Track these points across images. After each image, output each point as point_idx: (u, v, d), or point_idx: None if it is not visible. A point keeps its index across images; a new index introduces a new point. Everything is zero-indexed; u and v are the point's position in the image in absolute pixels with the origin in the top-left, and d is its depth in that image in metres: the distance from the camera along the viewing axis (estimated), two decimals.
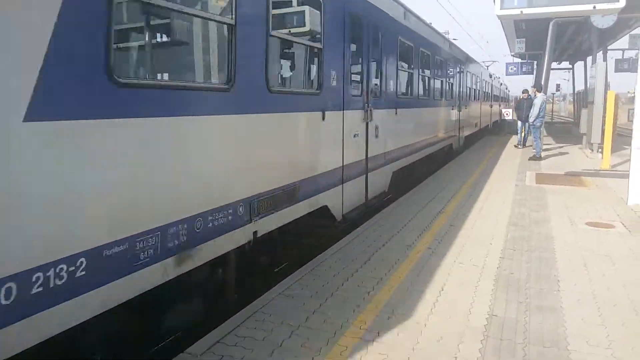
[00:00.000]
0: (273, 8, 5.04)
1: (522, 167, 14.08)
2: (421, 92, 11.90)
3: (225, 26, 4.41)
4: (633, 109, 9.62)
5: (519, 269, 5.47)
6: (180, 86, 3.96)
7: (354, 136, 7.38)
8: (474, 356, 3.62)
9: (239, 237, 4.57)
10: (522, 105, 19.23)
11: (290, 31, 5.82)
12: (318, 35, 6.17)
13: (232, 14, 4.35)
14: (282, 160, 5.33)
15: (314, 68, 6.45)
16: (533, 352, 3.68)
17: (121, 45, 4.51)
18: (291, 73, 6.55)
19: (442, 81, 14.42)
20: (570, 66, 40.00)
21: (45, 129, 2.77)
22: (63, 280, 2.85)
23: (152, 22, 4.33)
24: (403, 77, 10.45)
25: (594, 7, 9.04)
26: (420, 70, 11.69)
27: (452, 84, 16.04)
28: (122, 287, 3.28)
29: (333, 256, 5.86)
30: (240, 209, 4.54)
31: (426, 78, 12.50)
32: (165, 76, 5.31)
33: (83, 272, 2.97)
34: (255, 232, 4.78)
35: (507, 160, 15.80)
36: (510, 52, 32.32)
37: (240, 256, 4.87)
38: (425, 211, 8.31)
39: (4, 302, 2.55)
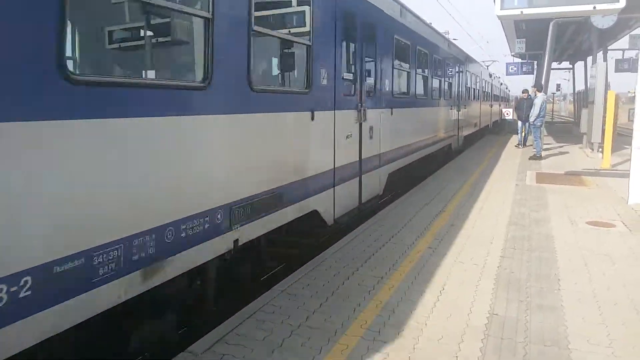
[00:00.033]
0: (256, 2, 4.75)
1: (522, 166, 14.08)
2: (418, 91, 11.64)
3: (201, 20, 4.09)
4: (633, 109, 9.63)
5: (519, 268, 5.47)
6: (144, 84, 3.67)
7: (347, 137, 7.08)
8: (474, 355, 3.62)
9: (218, 246, 4.24)
10: (522, 105, 19.22)
11: (276, 27, 5.57)
12: (306, 32, 5.90)
13: (209, 7, 4.07)
14: (266, 163, 5.02)
15: (302, 66, 6.12)
16: (534, 351, 3.68)
17: (75, 39, 4.40)
18: (277, 71, 6.28)
19: (440, 81, 14.16)
20: (571, 66, 40.04)
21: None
22: (2, 303, 2.54)
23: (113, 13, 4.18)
24: (399, 76, 10.20)
25: (594, 7, 9.06)
26: (418, 69, 11.43)
27: (450, 84, 15.80)
28: (77, 307, 2.98)
29: (333, 255, 5.87)
30: (219, 216, 4.22)
31: (424, 77, 12.26)
32: (133, 74, 5.06)
33: (28, 293, 2.68)
34: (236, 241, 4.46)
35: (507, 160, 15.80)
36: (511, 52, 32.33)
37: (220, 266, 4.61)
38: (426, 211, 8.31)
39: None
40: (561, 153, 17.60)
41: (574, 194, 9.90)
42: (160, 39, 4.84)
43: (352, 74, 7.49)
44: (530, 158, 15.63)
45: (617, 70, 27.57)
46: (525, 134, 19.55)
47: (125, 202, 3.31)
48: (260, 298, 4.62)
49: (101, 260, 3.11)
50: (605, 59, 24.87)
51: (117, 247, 3.22)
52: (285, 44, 5.89)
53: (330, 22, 6.51)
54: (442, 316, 4.25)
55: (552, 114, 53.48)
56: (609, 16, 15.68)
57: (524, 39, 25.78)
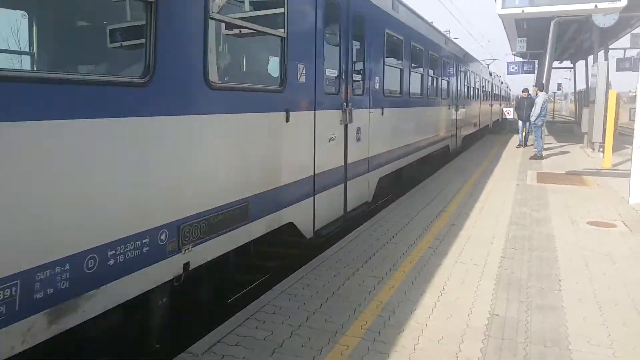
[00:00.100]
0: None
1: (523, 166, 14.07)
2: (413, 90, 10.95)
3: (141, 3, 3.54)
4: (634, 108, 9.62)
5: (520, 268, 5.46)
6: (58, 79, 2.94)
7: (329, 140, 6.47)
8: (475, 356, 3.61)
9: (160, 273, 3.62)
10: (523, 105, 19.19)
11: (242, 15, 5.01)
12: (280, 22, 5.29)
13: None
14: (228, 172, 4.41)
15: (275, 60, 5.55)
16: (534, 351, 3.68)
17: None
18: (243, 66, 5.66)
19: (437, 79, 13.60)
20: (572, 65, 40.01)
21: None
22: None
23: None
24: (391, 73, 9.57)
25: (596, 6, 9.04)
26: (412, 66, 10.76)
27: (448, 82, 15.29)
28: None
29: (333, 256, 5.86)
30: (162, 237, 3.60)
31: (419, 75, 11.62)
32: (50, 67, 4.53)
33: None
34: (187, 264, 3.87)
35: (507, 159, 15.79)
36: (512, 51, 32.38)
37: (168, 293, 4.01)
38: (426, 211, 8.30)
39: None
40: (562, 153, 17.59)
41: (575, 193, 9.89)
42: (87, 24, 4.35)
43: (336, 71, 6.88)
44: (531, 158, 15.61)
45: (618, 69, 27.56)
46: (525, 134, 19.51)
47: (24, 228, 2.67)
48: (261, 298, 4.62)
49: None
50: (606, 58, 24.87)
51: (8, 285, 2.59)
52: (254, 35, 5.31)
53: (310, 12, 5.92)
54: (442, 316, 4.25)
55: (553, 113, 53.47)
56: (610, 15, 15.68)
57: (525, 38, 25.80)
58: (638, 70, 9.61)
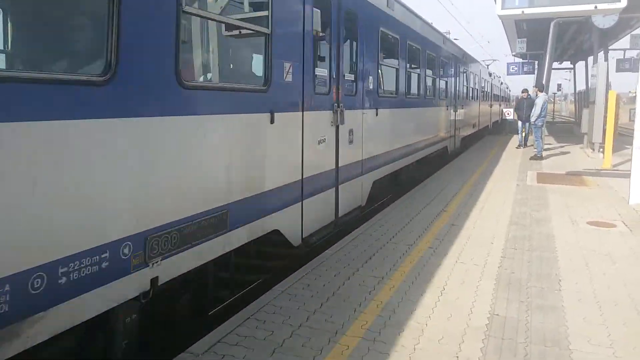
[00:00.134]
0: None
1: (523, 166, 14.08)
2: (409, 90, 10.67)
3: None
4: (634, 109, 9.63)
5: (520, 269, 5.46)
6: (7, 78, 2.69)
7: (319, 142, 6.16)
8: (475, 356, 3.62)
9: (122, 290, 3.29)
10: (522, 105, 19.20)
11: (221, 9, 4.71)
12: (264, 17, 4.97)
13: None
14: (204, 177, 4.08)
15: (258, 58, 5.26)
16: (534, 351, 3.68)
17: None
18: (222, 64, 5.37)
19: (434, 79, 13.29)
20: (572, 66, 40.05)
21: None
22: None
23: None
24: (386, 73, 9.33)
25: (595, 7, 9.05)
26: (408, 66, 10.48)
27: (446, 82, 15.00)
28: None
29: (334, 256, 5.86)
30: (125, 251, 3.29)
31: (415, 75, 11.36)
32: None
33: None
34: (155, 279, 3.55)
35: (507, 160, 15.79)
36: (512, 52, 32.40)
37: (135, 312, 3.71)
38: (426, 211, 8.30)
39: None
40: (562, 153, 17.60)
41: (575, 194, 9.90)
42: (38, 14, 4.01)
43: (326, 71, 6.55)
44: (531, 158, 15.62)
45: (618, 70, 27.59)
46: (525, 134, 19.51)
47: None
48: (261, 298, 4.62)
49: None
50: (606, 59, 24.89)
51: None
52: (235, 30, 4.93)
53: (297, 7, 5.63)
54: (442, 316, 4.25)
55: (553, 114, 53.47)
56: (610, 16, 15.69)
57: (525, 39, 25.82)
58: (638, 71, 9.61)
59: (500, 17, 10.22)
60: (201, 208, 4.01)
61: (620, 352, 3.66)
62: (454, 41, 18.84)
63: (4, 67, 4.38)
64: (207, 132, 4.13)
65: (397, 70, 9.73)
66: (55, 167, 2.84)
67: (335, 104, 6.65)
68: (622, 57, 28.07)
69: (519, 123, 19.98)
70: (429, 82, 12.80)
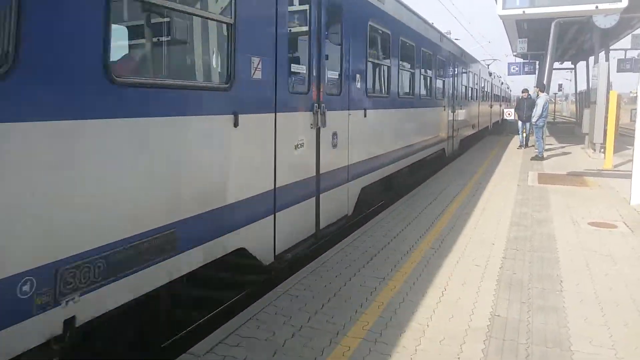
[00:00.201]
0: None
1: (524, 167, 14.07)
2: (402, 90, 10.08)
3: None
4: (635, 109, 9.62)
5: (521, 269, 5.46)
6: None
7: (296, 147, 5.60)
8: (476, 357, 3.61)
9: (20, 338, 2.70)
10: (523, 105, 19.16)
11: None
12: (227, 4, 4.42)
13: None
14: (140, 192, 3.43)
15: (218, 51, 4.75)
16: (536, 352, 3.67)
17: None
18: (171, 57, 4.78)
19: (430, 78, 12.66)
20: (573, 66, 40.03)
21: None
22: None
23: None
24: (376, 71, 8.84)
25: (596, 7, 9.04)
26: (401, 64, 9.83)
27: (444, 82, 14.41)
28: None
29: (335, 257, 5.86)
30: (25, 288, 2.66)
31: (409, 74, 10.77)
32: None
33: None
34: (70, 320, 2.94)
35: (508, 160, 15.78)
36: (512, 52, 32.39)
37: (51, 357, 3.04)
38: (428, 211, 8.30)
39: None
40: (563, 153, 17.58)
41: (576, 194, 9.89)
42: None
43: (304, 67, 5.96)
44: (532, 158, 15.61)
45: (619, 70, 27.56)
46: (526, 134, 19.48)
47: None
48: (262, 299, 4.62)
49: None
50: (607, 59, 24.88)
51: None
52: (185, 18, 4.27)
53: None
54: (444, 317, 4.24)
55: (554, 114, 53.45)
56: (611, 16, 15.66)
57: (526, 39, 25.80)
58: (639, 71, 9.59)
59: (501, 17, 10.21)
60: (138, 229, 3.38)
61: (622, 353, 3.65)
62: (455, 41, 18.73)
63: None
64: (148, 138, 3.50)
65: (389, 68, 9.17)
66: None
67: (316, 105, 6.08)
68: (623, 57, 28.05)
69: (519, 123, 19.96)
70: (425, 81, 12.26)
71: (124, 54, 4.39)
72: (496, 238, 6.69)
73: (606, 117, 14.32)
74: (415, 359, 3.58)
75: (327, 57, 6.48)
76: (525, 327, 4.07)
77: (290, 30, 5.61)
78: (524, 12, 9.66)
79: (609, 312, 4.37)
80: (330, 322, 4.15)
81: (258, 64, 4.79)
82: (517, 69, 34.08)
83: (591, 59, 25.05)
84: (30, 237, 2.71)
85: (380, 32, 8.65)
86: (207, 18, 4.41)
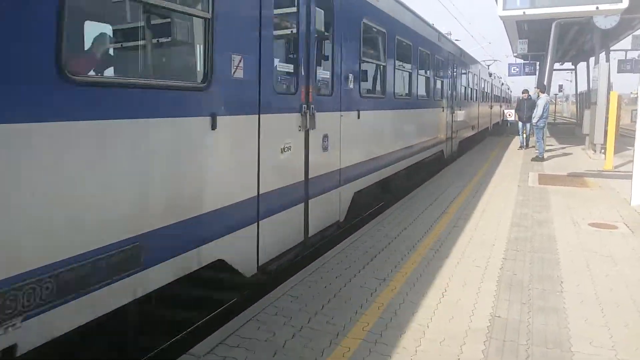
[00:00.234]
0: None
1: (524, 168, 14.06)
2: (398, 90, 9.74)
3: None
4: (636, 110, 9.61)
5: (521, 270, 5.46)
6: None
7: (282, 151, 5.30)
8: (476, 357, 3.61)
9: None
10: (523, 106, 19.17)
11: None
12: None
13: None
14: (98, 203, 3.13)
15: (194, 48, 4.50)
16: (536, 353, 3.67)
17: None
18: (139, 53, 4.45)
19: (428, 78, 12.39)
20: (573, 67, 40.05)
21: None
22: None
23: None
24: (370, 71, 8.61)
25: (597, 7, 9.03)
26: (397, 64, 9.49)
27: (442, 82, 14.10)
28: None
29: (335, 257, 5.86)
30: None
31: (406, 74, 10.49)
32: None
33: None
34: (10, 349, 2.63)
35: (509, 161, 15.78)
36: (513, 52, 32.40)
37: None
38: (428, 212, 8.30)
39: None
40: (564, 154, 17.58)
41: (577, 195, 9.88)
42: None
43: (292, 66, 5.69)
44: (533, 159, 15.61)
45: (619, 71, 27.58)
46: (527, 135, 19.47)
47: None
48: (262, 300, 4.61)
49: None
50: (607, 60, 24.86)
51: None
52: (157, 12, 4.05)
53: None
54: (444, 318, 4.24)
55: (555, 115, 53.46)
56: (612, 17, 15.67)
57: (526, 40, 25.84)
58: (639, 72, 9.59)
59: (502, 17, 10.20)
60: (95, 244, 3.07)
61: (623, 354, 3.65)
62: (455, 42, 18.67)
63: None
64: (110, 142, 3.20)
65: (384, 68, 8.84)
66: None
67: (304, 105, 5.76)
68: (623, 58, 28.07)
69: (519, 124, 19.95)
70: (422, 81, 11.93)
71: (83, 49, 4.04)
72: (496, 239, 6.69)
73: (607, 118, 14.32)
74: (415, 359, 3.58)
75: (317, 56, 6.21)
76: (525, 328, 4.06)
77: (276, 26, 5.35)
78: (524, 12, 9.64)
79: (609, 313, 4.36)
80: (331, 322, 4.15)
81: (239, 62, 4.49)
82: (517, 69, 34.09)
83: (592, 59, 25.07)
84: None
85: (375, 30, 8.39)
86: (182, 12, 4.08)
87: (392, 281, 5.11)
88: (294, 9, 5.60)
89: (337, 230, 7.00)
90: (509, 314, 4.33)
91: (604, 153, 14.56)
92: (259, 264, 4.92)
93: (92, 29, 3.83)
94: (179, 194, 3.80)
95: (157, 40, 4.33)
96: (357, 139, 7.52)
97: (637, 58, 27.37)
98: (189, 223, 3.88)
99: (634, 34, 24.62)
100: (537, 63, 32.00)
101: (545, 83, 17.84)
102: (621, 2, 8.68)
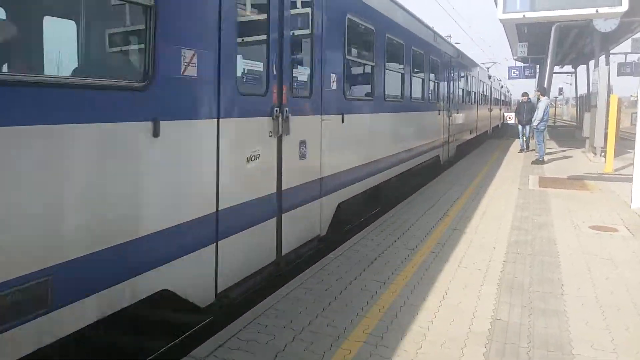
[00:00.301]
0: None
1: (524, 171, 14.07)
2: (388, 92, 9.11)
3: None
4: (636, 113, 9.62)
5: (522, 273, 5.45)
6: None
7: (249, 160, 4.72)
8: None
9: None
10: (523, 109, 19.21)
11: None
12: None
13: None
14: None
15: (130, 41, 3.99)
16: (537, 356, 3.67)
17: None
18: (58, 45, 3.90)
19: (422, 80, 11.84)
20: (573, 70, 40.11)
21: None
22: None
23: None
24: (356, 71, 8.11)
25: (597, 11, 9.05)
26: (387, 64, 8.95)
27: (438, 84, 13.58)
28: None
29: (336, 260, 5.86)
30: None
31: (397, 75, 9.94)
32: None
33: None
34: None
35: (509, 164, 15.78)
36: (513, 55, 32.45)
37: None
38: (428, 215, 8.30)
39: None
40: (564, 157, 17.59)
41: (577, 198, 9.88)
42: None
43: (261, 63, 5.10)
44: (533, 162, 15.62)
45: (619, 74, 27.61)
46: (527, 138, 19.48)
47: None
48: (263, 303, 4.61)
49: None
50: (607, 63, 24.89)
51: None
52: None
53: None
54: (445, 321, 4.24)
55: (555, 118, 53.49)
56: (611, 20, 15.71)
57: (526, 43, 25.90)
58: (639, 75, 9.61)
59: (502, 21, 10.22)
60: None
61: (623, 357, 3.65)
62: (455, 44, 18.65)
63: None
64: (11, 152, 2.64)
65: (373, 68, 8.26)
66: None
67: (277, 108, 5.15)
68: (623, 61, 28.11)
69: (519, 127, 19.97)
70: (415, 83, 11.29)
71: None
72: (497, 242, 6.69)
73: (607, 121, 14.33)
74: None
75: (292, 53, 5.63)
76: (526, 331, 4.06)
77: (241, 16, 4.75)
78: (524, 16, 9.66)
79: (610, 316, 4.36)
80: (332, 325, 4.15)
81: (192, 58, 3.91)
82: (517, 72, 34.12)
83: (591, 62, 25.12)
84: None
85: (362, 27, 7.80)
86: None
87: (393, 284, 5.11)
88: (268, 2, 5.03)
89: (319, 245, 6.37)
90: (510, 317, 4.33)
91: (604, 156, 14.57)
92: (218, 291, 4.31)
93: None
94: (106, 216, 3.20)
95: (86, 32, 3.73)
96: (342, 145, 6.96)
97: (637, 61, 27.40)
98: (121, 250, 3.29)
99: (633, 37, 24.67)
100: (537, 66, 32.05)
101: (545, 86, 17.86)
102: (621, 5, 8.70)
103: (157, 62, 3.55)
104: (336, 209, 6.83)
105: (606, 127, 14.34)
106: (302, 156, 5.76)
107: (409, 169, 10.79)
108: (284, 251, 5.46)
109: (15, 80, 2.73)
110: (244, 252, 4.71)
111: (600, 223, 7.76)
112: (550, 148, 19.60)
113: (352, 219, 7.86)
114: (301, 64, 6.02)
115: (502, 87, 40.59)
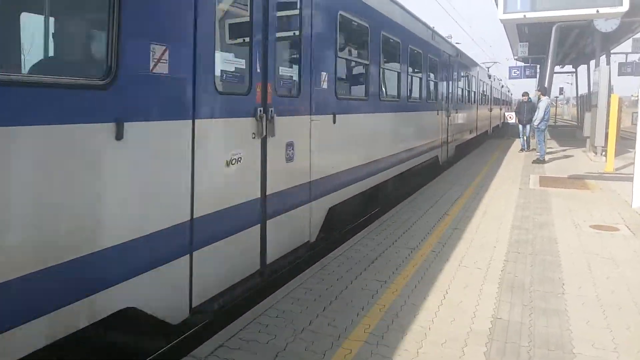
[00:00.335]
0: None
1: (525, 170, 14.06)
2: (383, 91, 8.99)
3: None
4: (636, 112, 9.62)
5: (523, 272, 5.45)
6: None
7: (229, 164, 4.42)
8: (478, 359, 3.61)
9: None
10: (523, 109, 19.19)
11: None
12: None
13: None
14: None
15: (91, 34, 3.72)
16: (538, 355, 3.67)
17: None
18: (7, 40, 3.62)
19: (420, 79, 11.61)
20: (574, 70, 40.09)
21: None
22: None
23: None
24: (349, 70, 7.88)
25: (597, 11, 9.05)
26: (383, 62, 8.71)
27: (436, 84, 13.36)
28: None
29: (336, 260, 5.86)
30: None
31: (393, 74, 9.69)
32: None
33: None
34: None
35: (509, 164, 15.78)
36: (513, 55, 32.42)
37: None
38: (429, 214, 8.30)
39: None
40: (565, 157, 17.58)
41: (578, 197, 9.88)
42: None
43: (244, 60, 4.78)
44: (534, 162, 15.62)
45: (620, 73, 27.62)
46: (527, 137, 19.46)
47: None
48: (264, 302, 4.61)
49: None
50: (608, 63, 24.87)
51: None
52: None
53: None
54: (445, 320, 4.24)
55: (555, 118, 53.48)
56: (612, 20, 15.70)
57: (527, 43, 25.87)
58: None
59: (502, 21, 10.22)
60: None
61: (624, 356, 3.65)
62: (455, 44, 18.62)
63: None
64: None
65: (366, 66, 7.98)
66: None
67: (260, 108, 4.85)
68: (624, 61, 28.11)
69: (520, 126, 19.96)
70: (413, 82, 11.05)
71: None
72: (498, 241, 6.69)
73: (607, 121, 14.33)
74: None
75: (278, 49, 5.32)
76: (527, 330, 4.06)
77: (220, 9, 4.46)
78: (524, 16, 9.65)
79: (611, 315, 4.36)
80: (332, 325, 4.15)
81: (162, 53, 3.59)
82: (518, 72, 34.12)
83: (592, 62, 25.14)
84: None
85: (356, 24, 7.53)
86: None
87: (394, 283, 5.11)
88: None
89: (307, 252, 6.11)
90: (511, 316, 4.33)
91: (605, 155, 14.57)
92: (192, 306, 4.02)
93: None
94: (57, 229, 2.90)
95: (33, 21, 3.43)
96: (333, 146, 6.68)
97: (637, 61, 27.42)
98: (73, 266, 2.97)
99: (634, 37, 24.67)
100: (538, 66, 32.07)
101: (546, 86, 17.86)
102: (621, 5, 8.69)
103: (121, 58, 3.25)
104: (328, 214, 6.58)
105: (607, 127, 14.34)
106: (289, 159, 5.47)
107: (406, 170, 10.61)
108: (269, 260, 5.16)
109: None
110: (223, 263, 4.42)
111: (601, 222, 7.76)
112: (551, 147, 19.60)
113: (345, 223, 7.65)
114: (289, 61, 5.76)
115: (502, 86, 40.52)
